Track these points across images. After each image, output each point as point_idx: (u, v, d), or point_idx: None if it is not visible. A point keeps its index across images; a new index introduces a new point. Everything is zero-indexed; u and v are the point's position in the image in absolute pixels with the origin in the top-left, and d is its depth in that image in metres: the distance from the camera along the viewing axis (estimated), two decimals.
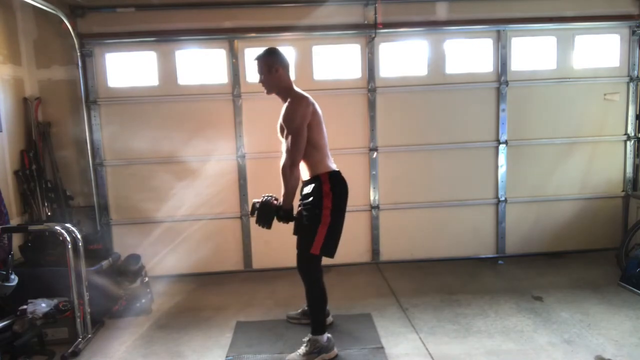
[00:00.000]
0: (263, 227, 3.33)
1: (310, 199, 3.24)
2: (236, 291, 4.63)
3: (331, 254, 3.28)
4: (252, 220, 3.46)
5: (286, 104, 3.26)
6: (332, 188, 3.22)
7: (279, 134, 3.37)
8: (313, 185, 3.26)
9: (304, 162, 3.28)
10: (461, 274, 4.85)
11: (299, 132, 3.14)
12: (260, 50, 3.39)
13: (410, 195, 5.23)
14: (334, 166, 3.35)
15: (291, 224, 3.39)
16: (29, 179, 4.59)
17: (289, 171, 3.20)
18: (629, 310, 3.86)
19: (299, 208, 3.36)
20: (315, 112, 3.25)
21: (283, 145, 3.30)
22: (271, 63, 3.27)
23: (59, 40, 4.79)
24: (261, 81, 3.33)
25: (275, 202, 3.38)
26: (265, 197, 3.38)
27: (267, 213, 3.31)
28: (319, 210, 3.20)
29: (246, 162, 5.06)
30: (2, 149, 4.36)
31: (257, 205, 3.37)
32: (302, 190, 3.38)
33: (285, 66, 3.32)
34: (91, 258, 4.00)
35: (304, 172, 3.34)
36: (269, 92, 3.37)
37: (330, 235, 3.22)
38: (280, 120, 3.28)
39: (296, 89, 3.33)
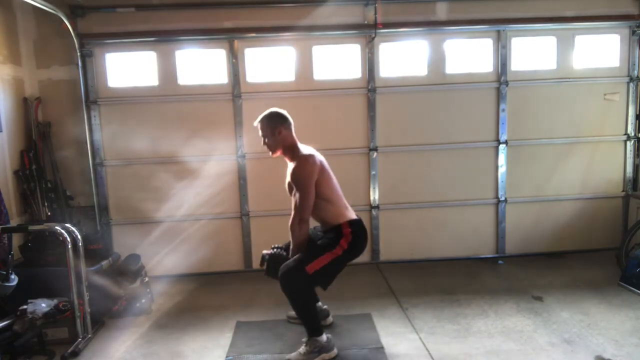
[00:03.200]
0: (273, 278, 3.36)
1: (329, 234, 3.31)
2: (236, 291, 4.63)
3: (324, 285, 3.34)
4: (258, 255, 3.54)
5: (293, 163, 3.32)
6: (352, 232, 3.30)
7: (287, 192, 3.43)
8: (334, 230, 3.33)
9: (322, 217, 3.37)
10: (461, 274, 4.85)
11: (307, 190, 3.23)
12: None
13: (410, 195, 5.23)
14: (353, 215, 3.41)
15: None
16: (29, 179, 4.59)
17: (298, 227, 3.27)
18: (629, 310, 3.86)
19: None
20: (322, 168, 3.32)
21: (292, 202, 3.36)
22: (273, 126, 3.33)
23: (59, 40, 4.79)
24: (265, 143, 3.39)
25: (284, 253, 3.43)
26: (274, 250, 3.40)
27: (276, 265, 3.34)
28: (334, 245, 3.26)
29: (246, 162, 5.05)
30: (2, 149, 4.36)
31: (267, 257, 3.41)
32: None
33: (287, 126, 3.36)
34: (91, 258, 4.01)
35: (324, 226, 3.42)
36: (273, 153, 3.41)
37: (331, 266, 3.25)
38: (288, 179, 3.37)
39: (301, 146, 3.39)
